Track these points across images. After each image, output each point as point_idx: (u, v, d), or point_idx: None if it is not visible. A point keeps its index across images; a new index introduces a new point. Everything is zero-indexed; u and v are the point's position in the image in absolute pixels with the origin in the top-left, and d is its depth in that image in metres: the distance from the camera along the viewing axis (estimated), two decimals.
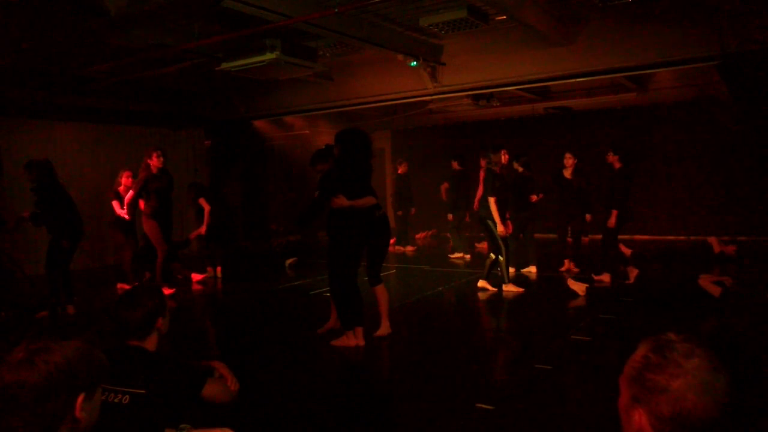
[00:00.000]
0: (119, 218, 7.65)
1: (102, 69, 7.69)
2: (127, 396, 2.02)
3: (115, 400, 2.01)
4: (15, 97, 8.74)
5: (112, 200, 7.73)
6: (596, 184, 8.54)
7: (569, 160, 8.03)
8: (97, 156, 10.23)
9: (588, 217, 8.10)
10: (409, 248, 10.96)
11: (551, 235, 9.13)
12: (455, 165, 10.03)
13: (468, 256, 9.89)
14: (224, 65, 7.10)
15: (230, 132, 11.68)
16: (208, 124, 11.78)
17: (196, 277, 8.45)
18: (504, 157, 7.19)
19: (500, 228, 6.87)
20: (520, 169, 8.30)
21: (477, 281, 7.28)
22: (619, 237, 7.61)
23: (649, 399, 1.13)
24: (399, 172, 10.90)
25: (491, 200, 6.88)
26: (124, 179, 7.80)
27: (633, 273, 7.42)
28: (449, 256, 10.09)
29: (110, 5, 5.37)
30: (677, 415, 1.10)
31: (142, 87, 9.70)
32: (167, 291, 7.20)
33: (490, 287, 7.09)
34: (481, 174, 10.49)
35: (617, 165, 7.31)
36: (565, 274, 7.89)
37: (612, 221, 7.21)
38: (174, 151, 10.86)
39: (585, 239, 11.37)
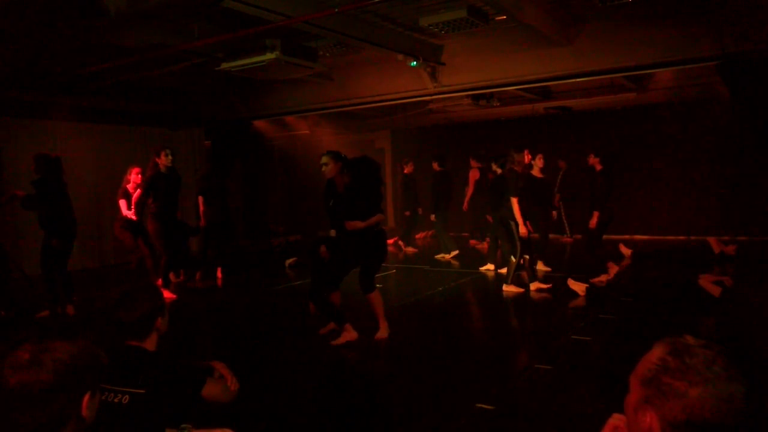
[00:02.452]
0: (127, 219, 7.50)
1: (102, 69, 7.68)
2: (127, 396, 2.01)
3: (115, 400, 2.01)
4: (15, 97, 8.73)
5: (120, 199, 7.55)
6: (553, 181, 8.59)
7: (540, 161, 8.06)
8: (97, 156, 10.23)
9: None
10: (410, 249, 10.96)
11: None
12: (435, 166, 10.18)
13: (452, 255, 9.94)
14: (224, 65, 7.10)
15: (230, 132, 11.67)
16: (208, 124, 11.77)
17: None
18: (527, 157, 7.14)
19: (522, 229, 6.82)
20: (498, 171, 8.38)
21: (471, 281, 7.28)
22: (621, 237, 7.61)
23: (663, 403, 1.12)
24: (405, 172, 10.88)
25: (514, 201, 6.83)
26: (133, 176, 7.60)
27: (613, 270, 7.43)
28: (437, 257, 10.13)
29: (110, 5, 5.37)
30: (691, 421, 1.09)
31: (142, 87, 9.69)
32: (168, 295, 7.17)
33: (541, 285, 7.02)
34: (472, 174, 10.61)
35: (598, 167, 7.29)
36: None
37: (593, 222, 7.18)
38: (174, 151, 10.86)
39: (570, 240, 11.44)
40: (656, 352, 1.17)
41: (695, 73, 9.12)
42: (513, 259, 6.95)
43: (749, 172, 10.60)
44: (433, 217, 10.14)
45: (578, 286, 6.77)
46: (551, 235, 8.44)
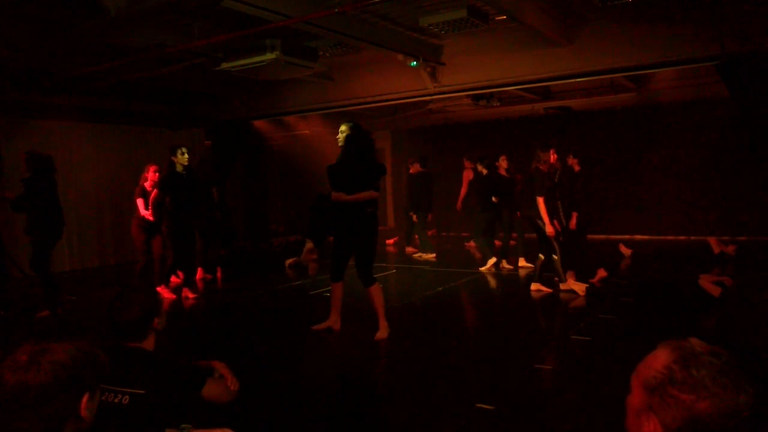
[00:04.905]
0: (144, 218, 7.34)
1: (102, 69, 7.68)
2: (127, 396, 2.02)
3: (115, 401, 2.01)
4: (15, 97, 8.72)
5: (137, 198, 7.38)
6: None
7: (505, 162, 8.46)
8: (97, 156, 10.23)
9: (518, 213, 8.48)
10: (410, 249, 10.95)
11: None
12: (418, 167, 10.42)
13: (433, 255, 10.02)
14: (224, 65, 7.09)
15: (230, 132, 11.67)
16: (208, 124, 11.77)
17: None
18: (553, 156, 7.13)
19: (549, 229, 6.75)
20: (484, 171, 8.53)
21: (471, 282, 7.27)
22: (621, 237, 7.58)
23: (667, 412, 1.10)
24: (411, 172, 10.90)
25: (540, 200, 6.77)
26: (151, 174, 7.40)
27: (598, 277, 7.43)
28: (415, 256, 10.22)
29: (110, 5, 5.37)
30: (695, 430, 1.08)
31: (142, 87, 9.68)
32: (167, 295, 7.15)
33: (544, 289, 6.95)
34: (466, 174, 10.66)
35: (576, 168, 7.26)
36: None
37: (572, 223, 7.10)
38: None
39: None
40: (661, 358, 1.14)
41: (695, 73, 9.12)
42: (555, 256, 6.83)
43: (749, 172, 10.60)
44: (415, 217, 10.31)
45: (578, 286, 6.77)
46: None
